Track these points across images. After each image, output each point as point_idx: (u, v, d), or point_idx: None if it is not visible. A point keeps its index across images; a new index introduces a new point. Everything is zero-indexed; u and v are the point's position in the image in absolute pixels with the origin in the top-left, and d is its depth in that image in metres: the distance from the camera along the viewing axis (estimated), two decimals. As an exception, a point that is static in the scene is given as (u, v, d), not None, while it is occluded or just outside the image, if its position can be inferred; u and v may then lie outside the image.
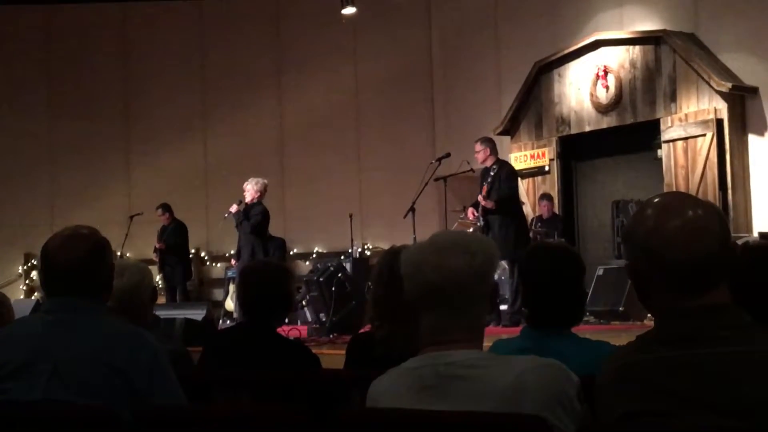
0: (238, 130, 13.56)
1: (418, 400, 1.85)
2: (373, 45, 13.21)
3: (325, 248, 13.21)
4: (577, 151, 11.13)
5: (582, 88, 10.72)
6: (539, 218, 10.55)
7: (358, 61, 13.41)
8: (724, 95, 9.39)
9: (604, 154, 10.95)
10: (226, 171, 12.93)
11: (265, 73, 13.67)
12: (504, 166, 8.82)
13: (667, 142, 9.80)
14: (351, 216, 11.27)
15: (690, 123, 9.61)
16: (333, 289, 8.22)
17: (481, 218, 8.52)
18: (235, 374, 3.02)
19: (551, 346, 2.44)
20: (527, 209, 10.43)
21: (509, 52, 12.00)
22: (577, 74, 10.79)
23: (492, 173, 8.61)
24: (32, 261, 13.39)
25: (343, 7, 11.88)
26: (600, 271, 9.18)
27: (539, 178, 11.16)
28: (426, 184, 8.63)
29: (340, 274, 8.41)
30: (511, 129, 11.49)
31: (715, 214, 1.71)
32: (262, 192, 9.55)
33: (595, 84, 10.54)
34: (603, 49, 10.53)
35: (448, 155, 9.06)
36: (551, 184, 11.03)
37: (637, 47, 10.23)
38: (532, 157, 11.20)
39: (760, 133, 9.51)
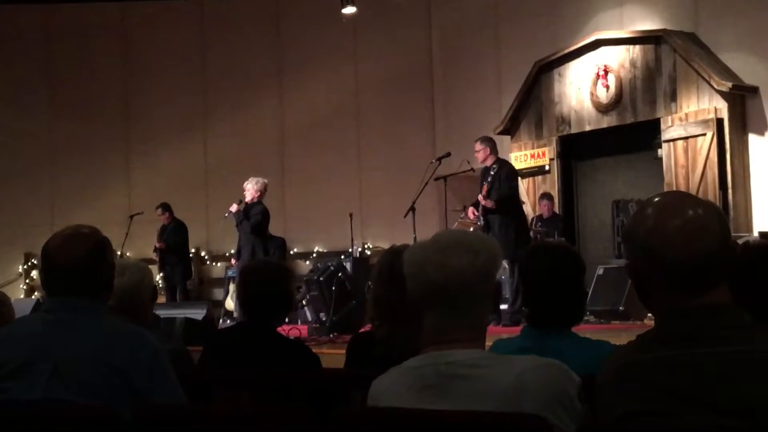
0: (238, 130, 13.56)
1: (419, 400, 1.85)
2: (374, 45, 13.21)
3: (325, 248, 13.21)
4: (578, 150, 11.13)
5: (582, 87, 10.72)
6: (539, 218, 10.55)
7: (358, 61, 13.41)
8: (724, 95, 9.39)
9: (605, 154, 10.95)
10: (226, 171, 12.92)
11: (266, 73, 13.67)
12: (504, 165, 8.82)
13: (668, 141, 9.80)
14: (351, 215, 11.28)
15: (690, 122, 9.61)
16: (333, 288, 8.22)
17: (482, 218, 8.51)
18: (235, 374, 3.02)
19: (551, 346, 2.44)
20: (527, 209, 10.43)
21: (509, 51, 12.00)
22: (577, 74, 10.79)
23: (492, 172, 8.61)
24: (32, 260, 13.41)
25: (343, 6, 11.88)
26: (600, 271, 9.18)
27: (539, 178, 11.16)
28: (426, 183, 8.63)
29: (340, 274, 8.41)
30: (511, 128, 11.49)
31: (716, 214, 1.71)
32: (263, 191, 9.55)
33: (595, 83, 10.54)
34: (603, 49, 10.53)
35: (448, 155, 9.06)
36: (551, 184, 11.03)
37: (638, 47, 10.23)
38: (533, 156, 11.20)
39: (761, 133, 9.51)
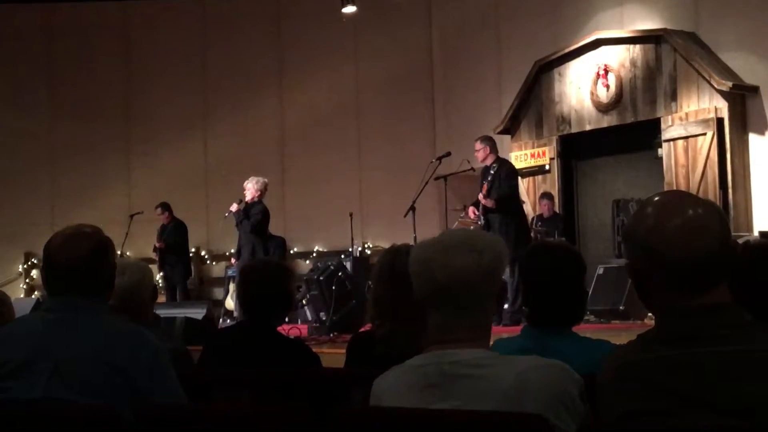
0: (238, 130, 13.56)
1: (421, 398, 1.85)
2: (374, 45, 13.22)
3: (325, 247, 13.21)
4: (578, 150, 11.13)
5: (582, 87, 10.72)
6: (540, 217, 10.55)
7: (358, 60, 13.41)
8: (724, 94, 9.39)
9: (605, 153, 10.94)
10: (226, 170, 12.92)
11: (266, 73, 13.67)
12: (504, 164, 8.82)
13: (668, 141, 9.80)
14: (351, 215, 11.28)
15: (690, 122, 9.61)
16: (333, 288, 8.22)
17: (482, 217, 8.51)
18: (235, 373, 3.02)
19: (552, 345, 2.44)
20: (528, 208, 10.43)
21: (510, 51, 12.00)
22: (577, 73, 10.79)
23: (492, 172, 8.61)
24: (32, 260, 13.42)
25: (344, 6, 11.88)
26: (600, 270, 9.18)
27: (540, 177, 11.16)
28: (426, 183, 8.63)
29: (340, 273, 8.42)
30: (511, 128, 11.49)
31: (716, 213, 1.71)
32: (263, 191, 9.55)
33: (595, 83, 10.53)
34: (603, 48, 10.53)
35: (448, 154, 9.07)
36: (552, 183, 11.03)
37: (638, 46, 10.23)
38: (533, 156, 11.20)
39: (761, 132, 9.51)
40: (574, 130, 10.86)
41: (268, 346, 3.25)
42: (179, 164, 13.57)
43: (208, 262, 13.83)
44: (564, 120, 10.96)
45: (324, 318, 8.25)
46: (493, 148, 8.73)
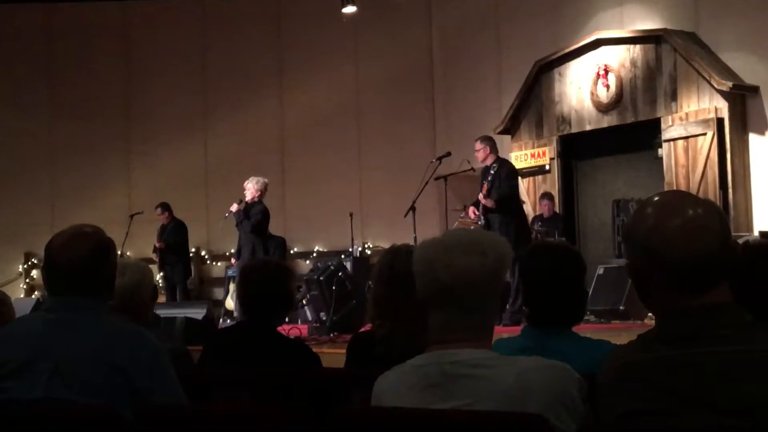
0: (238, 130, 13.56)
1: (422, 398, 1.85)
2: (374, 45, 13.22)
3: (325, 247, 13.21)
4: (578, 150, 11.13)
5: (582, 87, 10.72)
6: (540, 217, 10.55)
7: (358, 60, 13.41)
8: (724, 94, 9.39)
9: (605, 153, 10.94)
10: (226, 170, 12.92)
11: (266, 73, 13.67)
12: (504, 164, 8.82)
13: (668, 141, 9.80)
14: (351, 215, 11.27)
15: (690, 122, 9.61)
16: (333, 288, 8.22)
17: (482, 217, 8.51)
18: (235, 373, 3.02)
19: (552, 345, 2.44)
20: (528, 208, 10.44)
21: (510, 51, 12.00)
22: (577, 73, 10.79)
23: (492, 172, 8.61)
24: (32, 260, 13.43)
25: (344, 6, 11.88)
26: (600, 270, 9.18)
27: (540, 177, 11.16)
28: (426, 183, 8.63)
29: (340, 273, 8.41)
30: (511, 128, 11.49)
31: (716, 213, 1.71)
32: (263, 191, 9.55)
33: (595, 83, 10.53)
34: (603, 48, 10.53)
35: (448, 154, 9.06)
36: (552, 183, 11.03)
37: (638, 46, 10.23)
38: (533, 156, 11.20)
39: (761, 132, 9.51)
40: (575, 130, 10.86)
41: (268, 346, 3.25)
42: (179, 164, 13.57)
43: (208, 262, 13.83)
44: (564, 120, 10.96)
45: (324, 318, 8.25)
46: (493, 148, 8.73)
